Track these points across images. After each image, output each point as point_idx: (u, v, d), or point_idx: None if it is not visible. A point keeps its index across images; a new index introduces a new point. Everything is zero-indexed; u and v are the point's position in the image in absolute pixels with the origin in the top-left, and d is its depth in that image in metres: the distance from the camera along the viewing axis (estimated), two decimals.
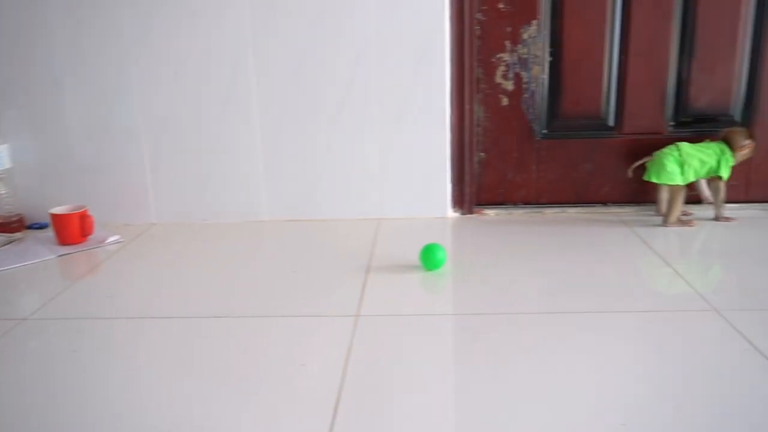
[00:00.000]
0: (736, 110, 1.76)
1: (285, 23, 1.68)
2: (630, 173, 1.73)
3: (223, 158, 1.79)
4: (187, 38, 1.71)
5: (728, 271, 1.41)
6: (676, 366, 1.00)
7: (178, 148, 1.79)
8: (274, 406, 0.93)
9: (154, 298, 1.34)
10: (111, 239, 1.69)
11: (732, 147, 1.66)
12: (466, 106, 1.75)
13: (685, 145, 1.66)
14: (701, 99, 1.76)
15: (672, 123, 1.78)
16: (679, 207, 1.66)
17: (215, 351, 1.10)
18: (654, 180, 1.68)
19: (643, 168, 1.71)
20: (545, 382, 0.97)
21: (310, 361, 1.06)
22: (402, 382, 0.99)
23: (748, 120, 1.76)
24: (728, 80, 1.74)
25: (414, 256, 1.45)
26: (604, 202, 1.84)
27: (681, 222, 1.67)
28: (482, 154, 1.82)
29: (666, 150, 1.66)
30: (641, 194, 1.81)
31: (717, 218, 1.70)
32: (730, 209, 1.75)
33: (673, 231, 1.64)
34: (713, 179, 1.69)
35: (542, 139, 1.80)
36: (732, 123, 1.76)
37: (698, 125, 1.77)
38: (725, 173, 1.65)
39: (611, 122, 1.79)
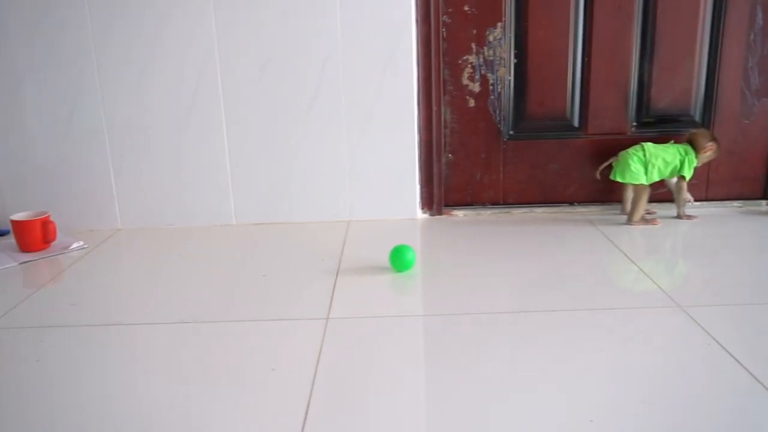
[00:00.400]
0: (696, 110, 1.81)
1: (250, 24, 1.67)
2: (597, 175, 1.76)
3: (189, 161, 1.77)
4: (151, 39, 1.68)
5: (691, 268, 1.44)
6: (642, 362, 1.02)
7: (143, 152, 1.76)
8: (244, 410, 0.92)
9: (119, 305, 1.32)
10: (75, 245, 1.66)
11: (696, 148, 1.70)
12: (434, 108, 1.76)
13: (649, 146, 1.69)
14: (663, 99, 1.80)
15: (635, 123, 1.82)
16: (643, 206, 1.69)
17: (183, 357, 1.09)
18: (619, 179, 1.71)
19: (609, 168, 1.74)
20: (515, 380, 0.98)
21: (280, 365, 1.05)
22: (373, 383, 0.99)
23: (707, 119, 1.80)
24: (688, 81, 1.78)
25: (383, 257, 1.45)
26: (570, 202, 1.86)
27: (645, 221, 1.70)
28: (450, 155, 1.83)
29: (631, 150, 1.69)
30: (607, 193, 1.84)
31: (679, 216, 1.74)
32: (691, 207, 1.79)
33: (637, 229, 1.68)
34: (677, 179, 1.73)
35: (509, 140, 1.82)
36: (692, 123, 1.81)
37: (660, 125, 1.81)
38: (688, 174, 1.69)
39: (576, 123, 1.82)
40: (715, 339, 1.08)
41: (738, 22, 1.73)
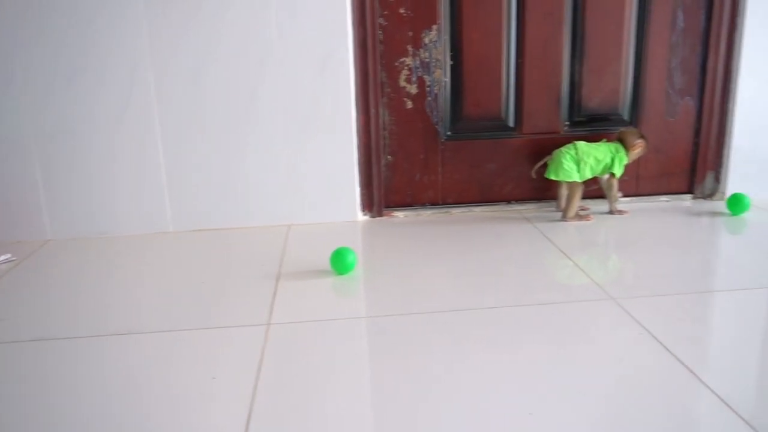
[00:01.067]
0: (625, 109, 1.87)
1: (183, 26, 1.64)
2: (533, 174, 1.81)
3: (122, 168, 1.72)
4: (80, 43, 1.62)
5: (622, 262, 1.49)
6: (578, 354, 1.05)
7: (72, 160, 1.70)
8: (184, 421, 0.90)
9: (50, 319, 1.26)
10: (1, 258, 1.59)
11: (625, 146, 1.76)
12: (372, 110, 1.77)
13: (582, 144, 1.74)
14: (593, 100, 1.86)
15: (567, 123, 1.87)
16: (577, 202, 1.75)
17: (120, 370, 1.05)
18: (553, 177, 1.76)
19: (545, 167, 1.79)
20: (458, 377, 0.99)
21: (221, 373, 1.03)
22: (317, 388, 0.98)
23: (635, 118, 1.87)
24: (616, 82, 1.85)
25: (325, 261, 1.45)
26: (507, 200, 1.90)
27: (579, 217, 1.76)
28: (389, 157, 1.84)
29: (564, 149, 1.74)
30: (542, 191, 1.89)
31: (611, 212, 1.80)
32: (622, 202, 1.86)
33: (572, 225, 1.72)
34: (608, 176, 1.79)
35: (447, 140, 1.84)
36: (621, 121, 1.87)
37: (591, 124, 1.87)
38: (618, 171, 1.75)
39: (511, 123, 1.86)
40: (646, 329, 1.12)
41: (661, 25, 1.80)
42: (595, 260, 1.48)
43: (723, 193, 1.89)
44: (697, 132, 1.88)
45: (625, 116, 1.88)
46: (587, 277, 1.37)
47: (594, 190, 1.84)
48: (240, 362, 1.06)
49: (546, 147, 1.82)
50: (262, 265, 1.50)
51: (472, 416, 0.89)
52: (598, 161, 1.74)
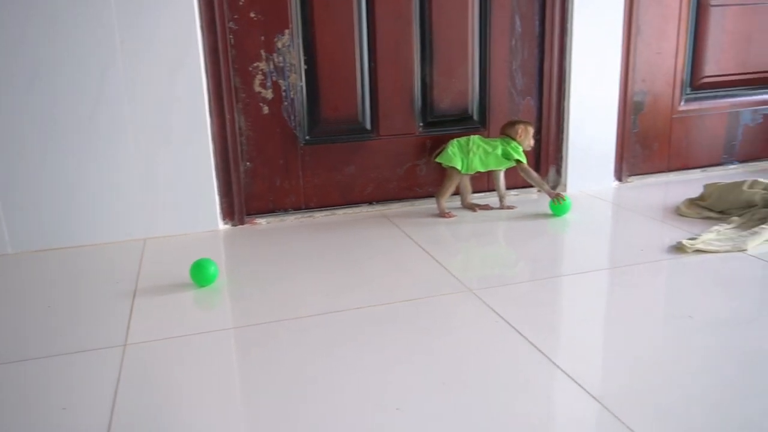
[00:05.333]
0: (474, 110, 1.97)
1: (16, 27, 1.50)
2: (433, 159, 1.87)
3: None
4: None
5: (478, 255, 1.57)
6: (441, 346, 1.10)
7: None
8: None
9: None
10: None
11: (511, 136, 1.85)
12: (227, 116, 1.73)
13: (476, 138, 1.83)
14: (444, 101, 1.94)
15: (422, 124, 1.94)
16: (451, 189, 1.84)
17: None
18: (439, 161, 1.83)
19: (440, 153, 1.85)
20: (330, 379, 0.99)
21: (72, 403, 0.96)
22: (182, 409, 0.94)
23: (483, 118, 1.98)
24: (464, 83, 1.94)
25: (185, 273, 1.39)
26: (369, 201, 1.93)
27: (475, 206, 1.89)
28: (248, 163, 1.80)
29: (457, 139, 1.82)
30: (403, 191, 1.94)
31: (502, 207, 1.90)
32: (473, 197, 1.95)
33: (435, 222, 1.79)
34: (517, 165, 1.84)
35: (306, 144, 1.84)
36: (472, 121, 1.97)
37: (444, 125, 1.95)
38: (521, 157, 1.83)
39: (368, 126, 1.89)
40: (501, 317, 1.19)
41: (501, 29, 1.92)
42: (453, 255, 1.55)
43: (565, 185, 2.05)
44: (539, 130, 2.02)
45: (475, 116, 1.98)
46: (446, 271, 1.43)
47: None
48: (93, 389, 0.99)
49: (403, 148, 1.87)
50: (116, 282, 1.41)
51: (341, 416, 0.90)
52: (487, 153, 1.81)
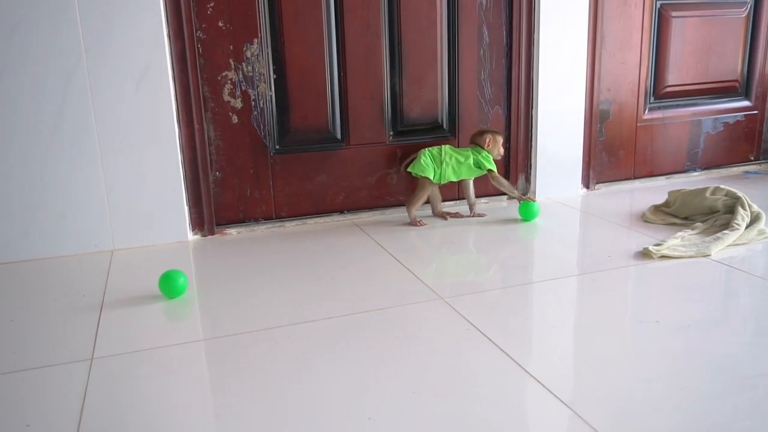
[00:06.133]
0: (444, 119, 1.99)
1: None
2: (402, 170, 1.88)
3: None
4: None
5: (448, 263, 1.58)
6: (412, 354, 1.10)
7: None
8: None
9: None
10: None
11: (480, 145, 1.86)
12: (196, 126, 1.71)
13: (447, 147, 1.84)
14: (413, 110, 1.95)
15: (392, 133, 1.94)
16: (422, 199, 1.85)
17: None
18: (410, 170, 1.84)
19: (410, 163, 1.86)
20: (301, 390, 0.99)
21: (37, 419, 0.93)
22: (151, 423, 0.92)
23: (453, 127, 1.99)
24: (434, 92, 1.96)
25: (153, 285, 1.37)
26: (340, 210, 1.93)
27: (446, 214, 1.90)
28: (218, 173, 1.79)
29: (429, 148, 1.83)
30: (374, 200, 1.94)
31: (473, 215, 1.92)
32: (444, 206, 1.97)
33: (406, 230, 1.79)
34: (488, 174, 1.86)
35: (276, 154, 1.83)
36: (441, 130, 1.98)
37: (414, 134, 1.96)
38: (492, 166, 1.85)
39: (339, 135, 1.89)
40: (472, 324, 1.20)
41: (469, 39, 1.94)
42: (425, 263, 1.55)
43: (534, 192, 2.08)
44: (508, 138, 2.04)
45: (445, 125, 1.99)
46: (417, 279, 1.43)
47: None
48: (59, 405, 0.97)
49: (374, 157, 1.88)
50: (82, 295, 1.39)
51: (315, 427, 0.89)
52: (459, 162, 1.82)
